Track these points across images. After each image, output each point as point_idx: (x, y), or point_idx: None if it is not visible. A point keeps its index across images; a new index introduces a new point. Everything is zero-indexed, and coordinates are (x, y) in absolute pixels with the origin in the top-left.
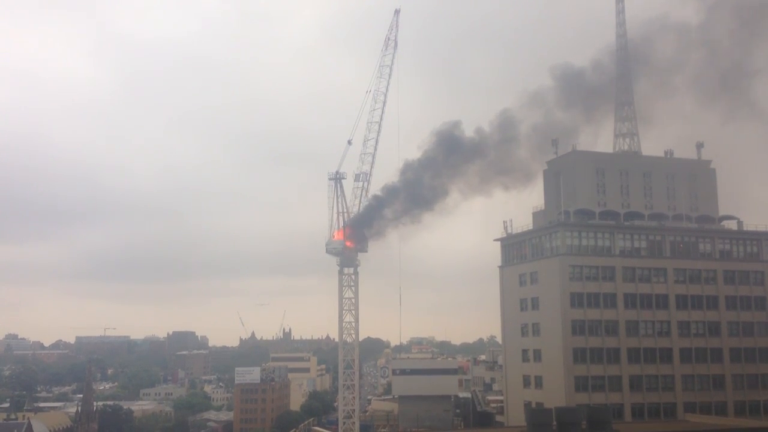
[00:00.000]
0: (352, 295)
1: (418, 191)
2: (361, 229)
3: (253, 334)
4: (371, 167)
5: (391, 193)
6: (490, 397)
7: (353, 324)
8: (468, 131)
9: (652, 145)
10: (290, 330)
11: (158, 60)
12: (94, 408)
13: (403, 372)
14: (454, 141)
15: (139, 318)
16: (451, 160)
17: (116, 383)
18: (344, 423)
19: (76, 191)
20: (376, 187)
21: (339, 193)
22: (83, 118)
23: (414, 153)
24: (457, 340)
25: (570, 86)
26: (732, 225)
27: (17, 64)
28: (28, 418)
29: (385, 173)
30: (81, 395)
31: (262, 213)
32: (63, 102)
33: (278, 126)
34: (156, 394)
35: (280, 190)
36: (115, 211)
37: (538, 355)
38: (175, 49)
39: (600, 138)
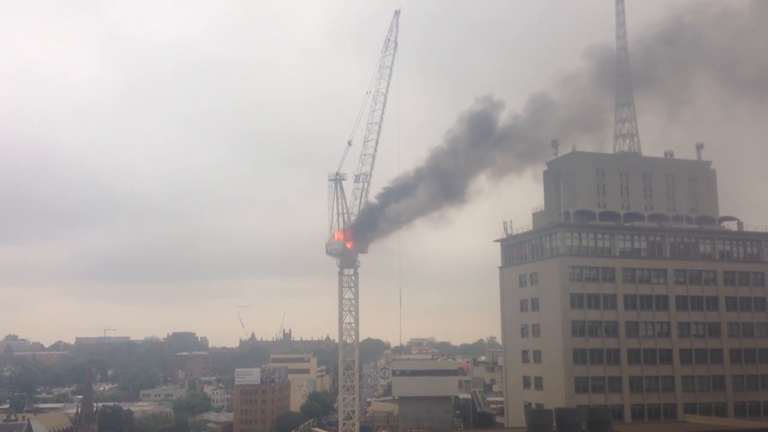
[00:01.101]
0: (352, 296)
1: (447, 179)
2: (374, 222)
3: (253, 335)
4: (371, 168)
5: (418, 179)
6: (490, 398)
7: (353, 325)
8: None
9: (651, 147)
10: (290, 331)
11: (164, 62)
12: (94, 409)
13: (403, 373)
14: (489, 122)
15: (139, 319)
16: (485, 144)
17: (116, 384)
18: (344, 424)
19: (80, 192)
20: (376, 189)
21: (339, 194)
22: (88, 120)
23: (413, 154)
24: (457, 341)
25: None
26: (732, 226)
27: (22, 66)
28: (28, 419)
29: (386, 174)
30: (81, 396)
31: (264, 214)
32: (68, 104)
33: (282, 127)
34: (156, 395)
35: (282, 191)
36: (117, 212)
37: (538, 356)
38: (180, 51)
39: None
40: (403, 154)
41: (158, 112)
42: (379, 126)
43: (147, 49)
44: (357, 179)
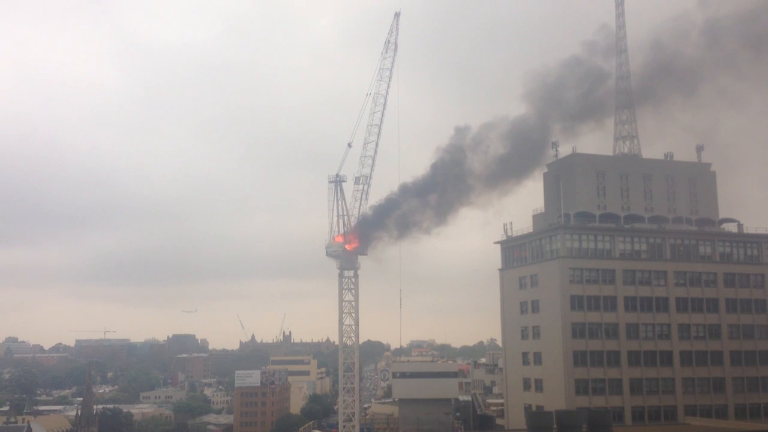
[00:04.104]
0: (352, 298)
1: (525, 141)
2: (378, 223)
3: (253, 337)
4: (371, 170)
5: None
6: (490, 400)
7: (353, 327)
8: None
9: (651, 148)
10: (290, 333)
11: (175, 66)
12: (94, 411)
13: (404, 375)
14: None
15: (139, 321)
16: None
17: (116, 386)
18: (344, 426)
19: (86, 195)
20: (376, 189)
21: (339, 196)
22: (100, 123)
23: (414, 155)
24: (457, 343)
25: None
26: (732, 228)
27: (37, 70)
28: (28, 422)
29: (385, 176)
30: (81, 398)
31: (265, 216)
32: (81, 107)
33: (291, 130)
34: (156, 397)
35: (285, 193)
36: (120, 215)
37: (538, 358)
38: (191, 54)
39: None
40: (404, 156)
41: (168, 115)
42: (379, 128)
43: (159, 53)
44: (357, 181)
